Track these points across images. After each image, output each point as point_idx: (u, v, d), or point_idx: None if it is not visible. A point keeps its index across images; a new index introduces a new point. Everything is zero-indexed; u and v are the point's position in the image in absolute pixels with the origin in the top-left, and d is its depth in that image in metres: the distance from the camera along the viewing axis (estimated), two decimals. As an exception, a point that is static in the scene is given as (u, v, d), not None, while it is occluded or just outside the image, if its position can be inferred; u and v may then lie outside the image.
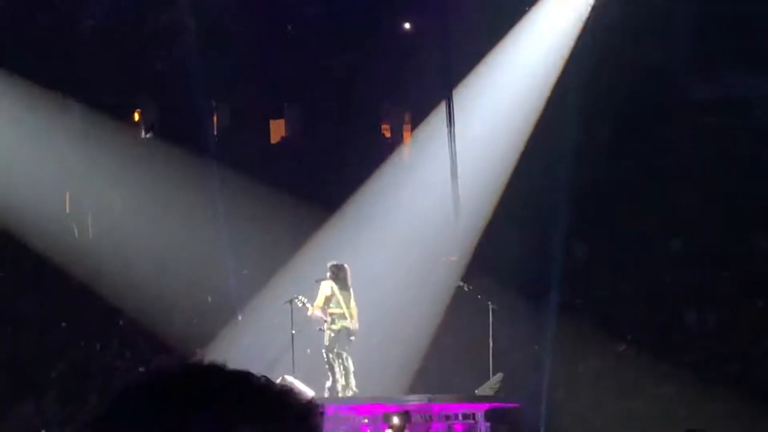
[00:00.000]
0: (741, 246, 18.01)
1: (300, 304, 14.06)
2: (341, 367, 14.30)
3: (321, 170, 18.14)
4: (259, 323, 16.55)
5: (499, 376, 14.76)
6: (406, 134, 19.29)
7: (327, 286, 14.01)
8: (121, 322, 17.12)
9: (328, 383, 14.13)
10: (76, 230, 17.43)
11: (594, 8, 16.87)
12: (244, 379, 1.18)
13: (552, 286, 17.31)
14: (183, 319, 17.06)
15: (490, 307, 15.15)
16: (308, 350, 15.37)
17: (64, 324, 17.42)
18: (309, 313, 14.14)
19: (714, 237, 17.97)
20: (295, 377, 13.80)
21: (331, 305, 14.05)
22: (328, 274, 14.11)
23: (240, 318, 16.84)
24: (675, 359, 17.31)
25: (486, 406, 14.74)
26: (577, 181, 16.85)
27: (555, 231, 17.24)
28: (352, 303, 14.26)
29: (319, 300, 13.91)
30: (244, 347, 16.58)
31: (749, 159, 17.60)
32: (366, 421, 14.43)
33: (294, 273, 16.18)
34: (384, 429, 13.58)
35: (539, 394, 16.47)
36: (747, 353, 17.31)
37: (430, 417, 14.93)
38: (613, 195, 17.79)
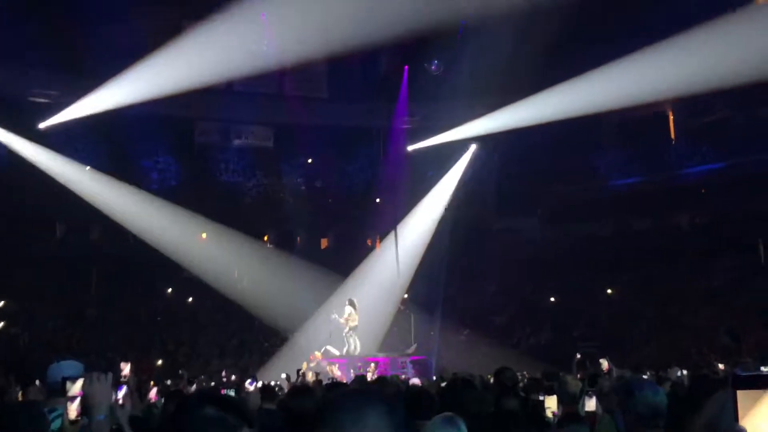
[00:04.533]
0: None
1: (334, 317, 21.08)
2: (353, 342, 21.03)
3: (341, 260, 27.50)
4: (316, 325, 23.59)
5: (415, 345, 22.31)
6: (378, 244, 30.82)
7: (350, 309, 20.91)
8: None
9: (345, 349, 20.92)
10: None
11: (456, 187, 29.09)
12: None
13: (438, 304, 25.85)
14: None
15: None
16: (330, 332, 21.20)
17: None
18: (341, 320, 20.87)
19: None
20: (332, 346, 21.02)
21: (351, 317, 20.85)
22: (348, 302, 21.04)
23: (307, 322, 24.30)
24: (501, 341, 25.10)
25: (411, 358, 21.08)
26: (449, 264, 27.23)
27: (439, 282, 26.32)
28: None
29: (346, 314, 20.78)
30: (311, 335, 23.42)
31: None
32: (360, 364, 19.46)
33: (331, 304, 23.22)
34: (368, 367, 18.29)
35: (432, 353, 23.47)
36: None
37: (386, 365, 20.00)
38: (468, 267, 28.93)
